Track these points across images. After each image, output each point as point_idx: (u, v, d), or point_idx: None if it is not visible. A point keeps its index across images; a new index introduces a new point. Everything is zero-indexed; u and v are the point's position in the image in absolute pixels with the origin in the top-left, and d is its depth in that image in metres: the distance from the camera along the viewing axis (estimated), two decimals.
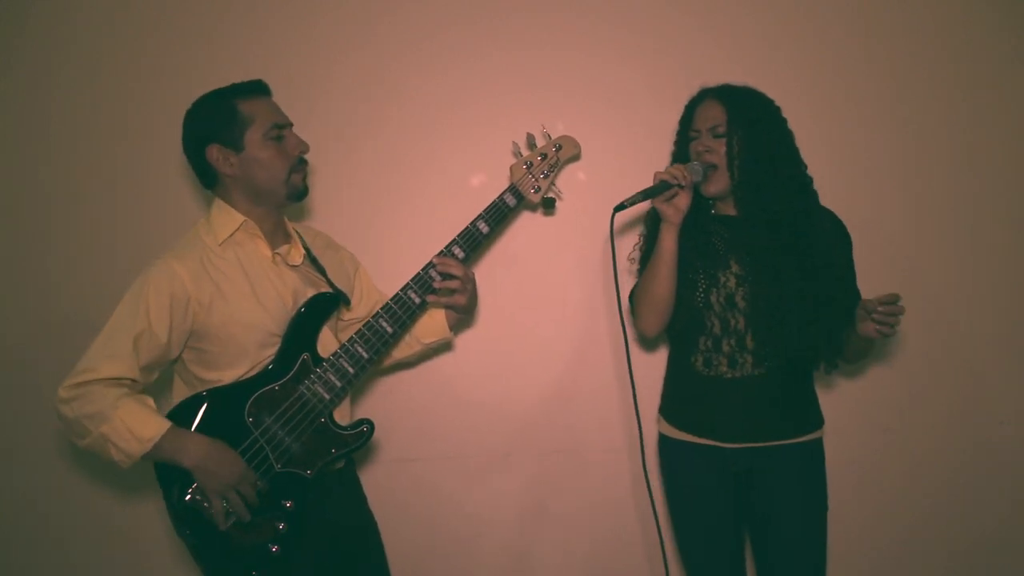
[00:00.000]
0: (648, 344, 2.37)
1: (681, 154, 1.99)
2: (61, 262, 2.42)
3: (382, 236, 2.38)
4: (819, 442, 1.96)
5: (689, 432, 1.96)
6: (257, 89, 1.79)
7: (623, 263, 2.13)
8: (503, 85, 2.38)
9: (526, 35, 2.37)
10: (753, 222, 1.87)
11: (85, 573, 2.51)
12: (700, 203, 1.93)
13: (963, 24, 2.36)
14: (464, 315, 2.05)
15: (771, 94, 1.97)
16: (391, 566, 1.99)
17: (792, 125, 1.97)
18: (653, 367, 2.22)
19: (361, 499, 1.97)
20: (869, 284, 2.33)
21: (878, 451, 2.44)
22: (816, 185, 1.98)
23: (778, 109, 1.94)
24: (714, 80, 1.99)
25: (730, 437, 1.91)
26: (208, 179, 1.79)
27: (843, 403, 2.41)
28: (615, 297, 2.02)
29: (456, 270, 1.89)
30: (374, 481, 2.35)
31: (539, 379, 2.43)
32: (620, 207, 1.84)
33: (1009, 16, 2.37)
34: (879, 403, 2.44)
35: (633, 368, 1.93)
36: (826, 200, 2.00)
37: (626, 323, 1.95)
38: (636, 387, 1.93)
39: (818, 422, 1.96)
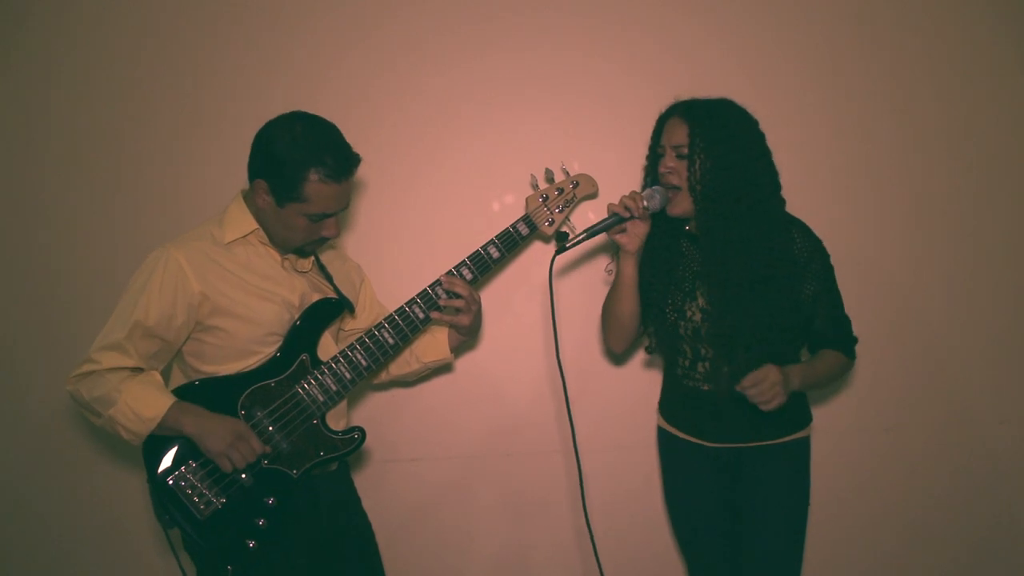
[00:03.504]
0: None
1: (652, 169, 1.93)
2: (61, 262, 2.42)
3: (381, 236, 2.38)
4: (805, 440, 1.96)
5: (679, 429, 2.01)
6: (341, 173, 1.69)
7: (602, 275, 2.11)
8: (503, 85, 2.37)
9: (526, 35, 2.37)
10: (714, 248, 1.81)
11: (85, 573, 2.51)
12: (673, 219, 1.89)
13: (963, 24, 2.36)
14: (467, 337, 2.05)
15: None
16: (387, 567, 1.99)
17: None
18: (656, 362, 2.22)
19: (355, 500, 1.97)
20: (870, 284, 2.35)
21: (878, 451, 2.44)
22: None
23: (753, 124, 1.82)
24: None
25: (714, 439, 1.95)
26: (250, 177, 1.76)
27: (843, 403, 2.42)
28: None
29: (462, 289, 1.89)
30: (372, 481, 2.36)
31: (538, 379, 2.43)
32: (561, 249, 1.82)
33: (1009, 16, 2.37)
34: (879, 403, 2.44)
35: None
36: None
37: (562, 362, 1.97)
38: (571, 403, 1.97)
39: (803, 422, 1.96)
